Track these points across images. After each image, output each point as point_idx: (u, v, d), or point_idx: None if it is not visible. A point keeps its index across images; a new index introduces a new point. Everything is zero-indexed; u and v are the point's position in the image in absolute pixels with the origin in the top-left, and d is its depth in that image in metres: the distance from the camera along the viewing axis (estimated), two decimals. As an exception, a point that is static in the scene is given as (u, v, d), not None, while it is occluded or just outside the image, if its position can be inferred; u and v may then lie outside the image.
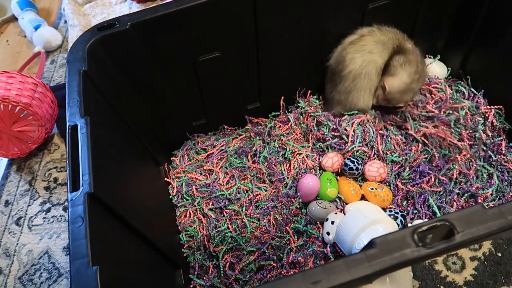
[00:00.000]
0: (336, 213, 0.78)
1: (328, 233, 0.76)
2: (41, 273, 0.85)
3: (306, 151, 0.88)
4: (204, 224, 0.81)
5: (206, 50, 0.77)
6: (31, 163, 1.03)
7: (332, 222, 0.76)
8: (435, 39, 0.94)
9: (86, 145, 0.55)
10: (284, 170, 0.85)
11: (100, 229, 0.50)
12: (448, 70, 0.95)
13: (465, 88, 0.90)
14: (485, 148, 0.80)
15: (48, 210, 0.94)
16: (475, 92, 0.88)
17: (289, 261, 0.75)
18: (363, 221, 0.72)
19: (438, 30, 0.92)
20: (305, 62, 0.88)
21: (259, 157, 0.87)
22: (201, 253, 0.78)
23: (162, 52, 0.74)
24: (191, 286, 0.75)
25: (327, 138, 0.87)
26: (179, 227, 0.82)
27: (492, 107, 0.84)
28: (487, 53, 0.86)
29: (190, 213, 0.84)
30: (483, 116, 0.84)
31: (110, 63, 0.71)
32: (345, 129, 0.85)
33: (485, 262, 0.76)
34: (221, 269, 0.75)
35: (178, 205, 0.85)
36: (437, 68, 0.95)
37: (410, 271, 0.71)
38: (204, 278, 0.76)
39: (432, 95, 0.89)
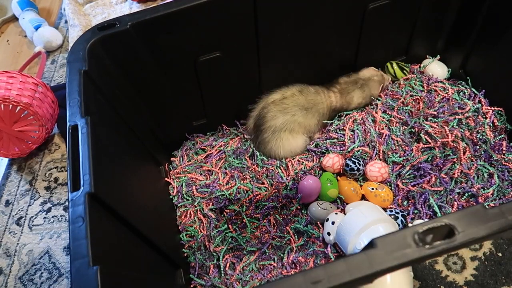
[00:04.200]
0: (336, 213, 0.78)
1: (328, 233, 0.76)
2: (42, 273, 0.85)
3: (299, 155, 0.88)
4: (204, 224, 0.81)
5: (207, 50, 0.77)
6: (32, 163, 1.03)
7: (333, 223, 0.76)
8: (435, 39, 0.94)
9: (87, 145, 0.55)
10: (282, 173, 0.85)
11: (100, 229, 0.50)
12: (448, 71, 0.95)
13: (466, 88, 0.90)
14: (486, 148, 0.80)
15: (49, 210, 0.94)
16: (475, 92, 0.88)
17: (290, 261, 0.75)
18: (364, 221, 0.72)
19: (438, 30, 0.92)
20: (306, 62, 0.88)
21: (257, 160, 0.87)
22: (201, 253, 0.78)
23: (162, 52, 0.74)
24: (192, 286, 0.75)
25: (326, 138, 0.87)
26: (179, 227, 0.82)
27: (492, 108, 0.84)
28: (487, 54, 0.86)
29: (190, 213, 0.84)
30: (484, 116, 0.83)
31: (110, 63, 0.71)
32: (343, 129, 0.86)
33: (486, 262, 0.76)
34: (222, 269, 0.75)
35: (179, 205, 0.85)
36: (438, 69, 0.95)
37: (411, 271, 0.70)
38: (205, 278, 0.76)
39: (436, 94, 0.89)
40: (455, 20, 0.88)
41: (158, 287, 0.66)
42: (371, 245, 0.44)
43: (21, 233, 0.91)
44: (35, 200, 0.97)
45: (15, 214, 0.95)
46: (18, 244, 0.90)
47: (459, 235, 0.43)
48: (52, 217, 0.93)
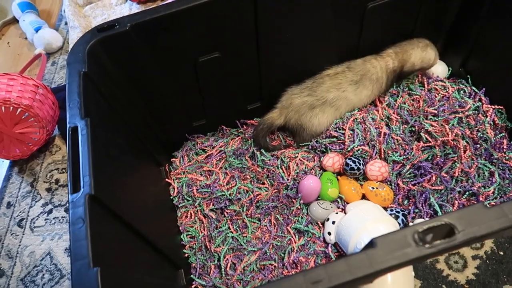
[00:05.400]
0: (337, 213, 0.78)
1: (329, 233, 0.76)
2: (43, 275, 0.85)
3: (301, 154, 0.88)
4: (205, 225, 0.81)
5: (206, 50, 0.77)
6: (33, 164, 1.04)
7: (333, 222, 0.76)
8: (435, 38, 0.93)
9: (87, 147, 0.55)
10: (283, 173, 0.85)
11: (101, 230, 0.50)
12: (449, 70, 0.95)
13: (466, 86, 0.90)
14: (487, 146, 0.80)
15: (50, 211, 0.95)
16: (476, 90, 0.88)
17: (291, 261, 0.75)
18: (364, 220, 0.72)
19: (438, 29, 0.92)
20: (306, 61, 0.88)
21: (257, 161, 0.87)
22: (202, 253, 0.78)
23: (162, 53, 0.74)
24: (193, 286, 0.76)
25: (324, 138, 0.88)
26: (180, 228, 0.82)
27: (492, 106, 0.83)
28: (487, 52, 0.85)
29: (191, 213, 0.84)
30: (484, 115, 0.83)
31: (110, 64, 0.71)
32: (342, 128, 0.86)
33: (487, 261, 0.76)
34: (223, 269, 0.75)
35: (179, 205, 0.85)
36: (438, 67, 0.94)
37: (412, 270, 0.70)
38: (206, 278, 0.76)
39: (436, 93, 0.88)
40: (455, 18, 0.88)
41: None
42: (371, 244, 0.44)
43: (23, 234, 0.92)
44: (36, 201, 0.97)
45: (17, 216, 0.95)
46: (19, 245, 0.90)
47: (459, 234, 0.43)
48: (54, 218, 0.93)
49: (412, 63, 0.88)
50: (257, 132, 0.89)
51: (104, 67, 0.70)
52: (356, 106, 0.89)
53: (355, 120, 0.86)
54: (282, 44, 0.81)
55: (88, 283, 0.43)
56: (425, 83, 0.91)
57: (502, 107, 0.83)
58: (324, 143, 0.87)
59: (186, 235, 0.81)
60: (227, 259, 0.76)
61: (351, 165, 0.82)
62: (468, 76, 0.91)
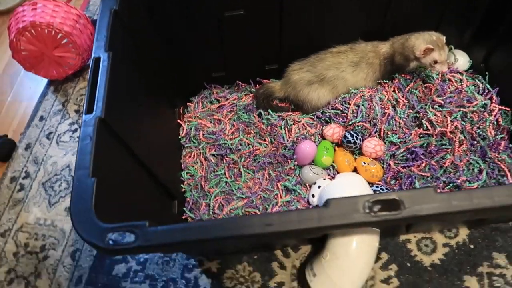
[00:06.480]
0: (324, 179, 0.83)
1: (313, 195, 0.82)
2: (61, 183, 0.97)
3: (305, 119, 0.93)
4: (204, 167, 0.90)
5: (232, 6, 0.81)
6: (67, 86, 1.14)
7: (319, 187, 0.82)
8: (462, 30, 0.92)
9: (105, 77, 0.62)
10: (284, 134, 0.90)
11: (105, 149, 0.58)
12: (469, 62, 0.94)
13: (481, 83, 0.89)
14: (483, 144, 0.81)
15: (75, 130, 1.06)
16: (489, 88, 0.87)
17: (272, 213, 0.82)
18: (346, 190, 0.77)
19: (466, 22, 0.90)
20: (328, 32, 0.90)
21: (263, 118, 0.93)
22: (197, 191, 0.87)
23: (190, 2, 0.79)
24: (183, 217, 0.85)
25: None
26: (182, 165, 0.91)
27: (499, 106, 0.83)
28: (510, 52, 0.84)
29: (194, 154, 0.92)
30: (490, 114, 0.83)
31: (140, 7, 0.76)
32: (348, 103, 0.89)
33: (456, 251, 0.80)
34: (211, 208, 0.83)
35: (185, 146, 0.94)
36: (459, 59, 0.94)
37: (377, 241, 0.75)
38: (196, 213, 0.85)
39: (450, 84, 0.89)
40: (484, 13, 0.86)
41: (153, 211, 0.75)
42: (325, 204, 0.50)
43: (49, 146, 1.04)
44: (65, 120, 1.08)
45: (46, 129, 1.07)
46: (45, 155, 1.02)
47: (404, 210, 0.48)
48: (77, 137, 1.04)
49: (418, 50, 0.84)
50: (258, 94, 0.95)
51: (134, 8, 0.75)
52: (352, 87, 0.91)
53: (362, 97, 0.89)
54: (305, 10, 0.84)
55: (85, 189, 0.52)
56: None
57: (508, 108, 0.83)
58: (329, 113, 0.91)
59: (186, 173, 0.90)
60: (217, 200, 0.84)
61: (348, 138, 0.86)
62: (487, 72, 0.90)
